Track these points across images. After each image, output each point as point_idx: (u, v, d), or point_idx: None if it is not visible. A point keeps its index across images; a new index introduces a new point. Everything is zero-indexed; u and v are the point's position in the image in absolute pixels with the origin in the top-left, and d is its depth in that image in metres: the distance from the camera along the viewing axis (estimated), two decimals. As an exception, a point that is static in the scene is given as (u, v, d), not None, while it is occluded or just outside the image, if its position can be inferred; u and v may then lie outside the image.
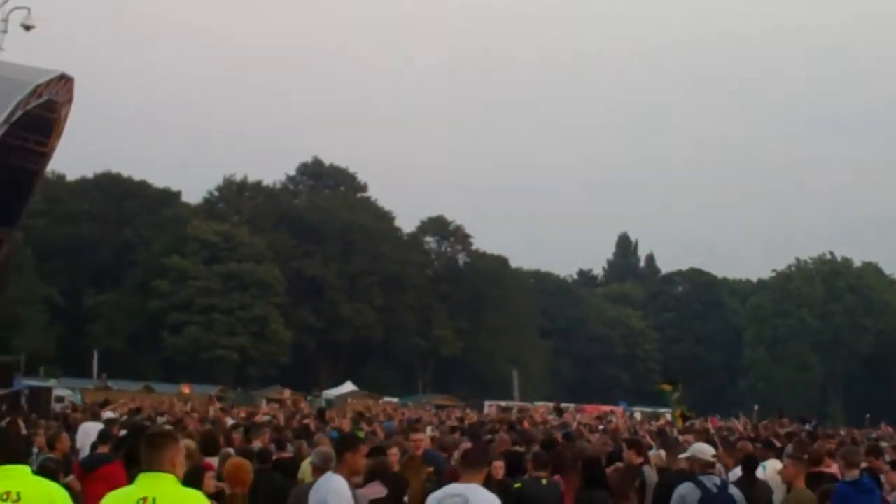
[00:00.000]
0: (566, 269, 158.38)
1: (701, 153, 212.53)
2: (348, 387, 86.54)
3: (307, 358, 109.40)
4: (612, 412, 61.89)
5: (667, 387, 52.63)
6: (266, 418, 28.66)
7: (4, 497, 7.72)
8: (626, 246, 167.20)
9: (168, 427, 18.68)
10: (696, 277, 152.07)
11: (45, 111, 39.38)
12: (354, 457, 11.00)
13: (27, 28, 32.44)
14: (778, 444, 21.36)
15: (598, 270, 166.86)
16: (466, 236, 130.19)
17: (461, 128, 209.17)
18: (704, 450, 12.96)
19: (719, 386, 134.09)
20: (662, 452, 16.96)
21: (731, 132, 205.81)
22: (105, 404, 31.88)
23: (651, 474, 15.26)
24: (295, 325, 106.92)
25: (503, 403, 75.27)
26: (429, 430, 26.07)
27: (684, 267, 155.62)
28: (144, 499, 7.49)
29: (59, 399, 47.34)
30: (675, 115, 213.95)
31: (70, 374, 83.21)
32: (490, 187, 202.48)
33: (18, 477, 7.96)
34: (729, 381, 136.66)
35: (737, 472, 15.23)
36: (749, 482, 14.08)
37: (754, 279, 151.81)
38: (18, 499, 7.73)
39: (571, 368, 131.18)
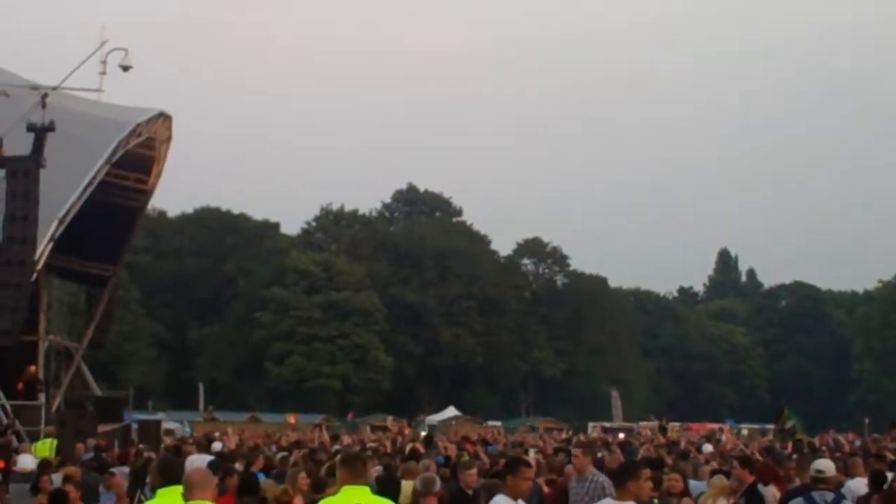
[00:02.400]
0: (666, 286, 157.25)
1: (799, 165, 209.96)
2: (451, 412, 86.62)
3: (408, 384, 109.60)
4: (719, 430, 61.30)
5: (784, 423, 51.29)
6: (373, 445, 28.89)
7: None
8: (726, 261, 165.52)
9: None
10: (800, 290, 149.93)
11: (145, 149, 40.20)
12: (516, 480, 10.98)
13: (125, 69, 33.06)
14: (891, 458, 21.09)
15: (698, 287, 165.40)
16: (564, 257, 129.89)
17: (554, 149, 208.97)
18: (817, 465, 12.88)
19: (827, 400, 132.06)
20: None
21: (829, 141, 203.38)
22: (210, 438, 32.34)
23: (768, 492, 15.20)
24: (395, 351, 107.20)
25: (607, 424, 74.89)
26: (531, 452, 26.18)
27: (787, 280, 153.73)
28: None
29: (168, 432, 47.98)
30: (772, 126, 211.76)
31: (177, 406, 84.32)
32: (586, 207, 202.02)
33: (176, 496, 9.21)
34: (837, 395, 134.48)
35: (850, 485, 15.11)
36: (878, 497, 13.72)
37: (860, 290, 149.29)
38: None
39: (675, 387, 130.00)
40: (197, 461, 18.24)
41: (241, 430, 42.40)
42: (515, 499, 10.82)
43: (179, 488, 9.28)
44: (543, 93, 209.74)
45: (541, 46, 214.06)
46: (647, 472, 10.80)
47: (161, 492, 9.54)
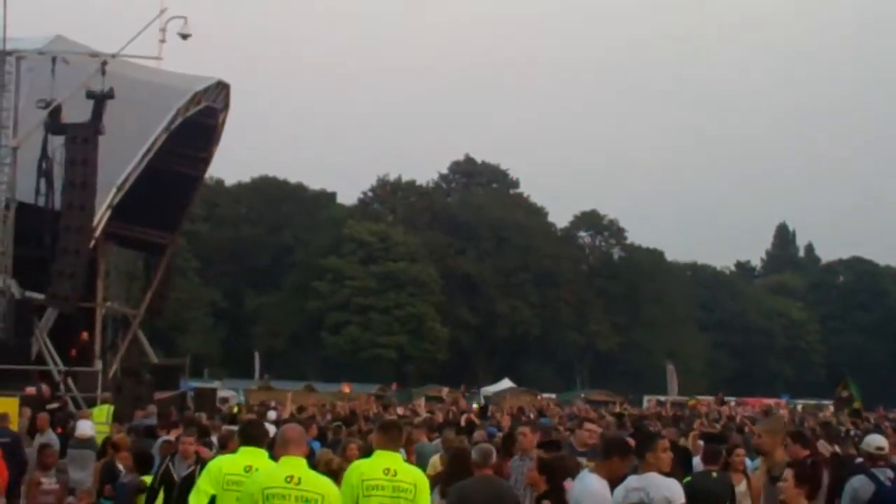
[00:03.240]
0: (723, 260, 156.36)
1: (857, 139, 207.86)
2: (506, 383, 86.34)
3: (464, 355, 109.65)
4: (775, 405, 60.94)
5: (843, 391, 50.80)
6: (424, 416, 28.83)
7: (287, 479, 9.31)
8: (784, 236, 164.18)
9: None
10: (858, 266, 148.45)
11: (203, 118, 40.28)
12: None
13: (184, 37, 33.06)
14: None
15: (755, 261, 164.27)
16: (621, 230, 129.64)
17: (612, 120, 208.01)
18: (876, 441, 12.67)
19: (885, 376, 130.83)
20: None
21: (889, 115, 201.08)
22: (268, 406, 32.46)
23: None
24: (451, 322, 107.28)
25: (663, 398, 74.57)
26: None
27: (845, 256, 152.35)
28: (388, 469, 10.21)
29: (224, 400, 48.21)
30: (830, 103, 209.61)
31: (234, 375, 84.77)
32: (643, 180, 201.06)
33: (262, 456, 10.27)
34: (894, 372, 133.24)
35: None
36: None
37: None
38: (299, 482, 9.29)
39: (731, 361, 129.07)
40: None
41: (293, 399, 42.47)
42: (611, 480, 10.40)
43: (259, 450, 10.41)
44: (601, 63, 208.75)
45: (601, 13, 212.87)
46: (664, 444, 10.78)
47: (243, 450, 10.48)
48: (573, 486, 10.71)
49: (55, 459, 17.05)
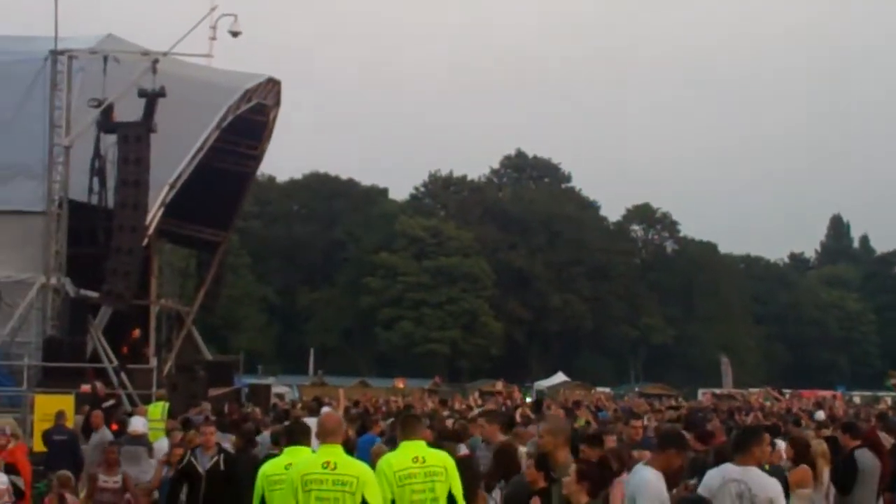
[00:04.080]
0: (777, 253, 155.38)
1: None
2: (560, 377, 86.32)
3: (517, 349, 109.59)
4: (831, 397, 60.47)
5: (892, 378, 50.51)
6: (478, 411, 28.69)
7: (324, 465, 9.95)
8: (838, 227, 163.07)
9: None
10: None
11: (254, 115, 40.30)
12: (677, 456, 10.20)
13: (234, 34, 33.05)
14: None
15: (809, 253, 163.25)
16: (673, 223, 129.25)
17: (664, 113, 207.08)
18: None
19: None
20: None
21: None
22: (321, 402, 32.43)
23: (865, 456, 15.13)
24: (504, 317, 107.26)
25: (717, 391, 74.21)
26: (644, 419, 25.83)
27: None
28: (416, 457, 10.74)
29: (278, 396, 48.35)
30: (887, 93, 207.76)
31: (287, 371, 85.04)
32: (696, 172, 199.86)
33: (306, 453, 10.82)
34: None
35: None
36: None
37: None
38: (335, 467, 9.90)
39: (786, 354, 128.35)
40: (310, 425, 18.24)
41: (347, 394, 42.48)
42: (665, 472, 10.12)
43: (303, 448, 11.01)
44: (649, 56, 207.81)
45: (649, 7, 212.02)
46: (768, 437, 10.96)
47: (288, 450, 11.01)
48: (629, 479, 10.56)
49: (117, 457, 17.06)
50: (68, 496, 16.04)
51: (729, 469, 9.96)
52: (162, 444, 19.33)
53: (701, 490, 9.79)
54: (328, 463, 9.89)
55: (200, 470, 14.23)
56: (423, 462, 10.79)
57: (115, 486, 16.12)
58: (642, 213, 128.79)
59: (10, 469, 16.51)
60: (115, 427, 22.36)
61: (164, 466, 17.49)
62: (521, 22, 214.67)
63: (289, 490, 9.83)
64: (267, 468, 10.97)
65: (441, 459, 10.97)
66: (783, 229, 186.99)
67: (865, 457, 15.17)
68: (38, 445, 22.64)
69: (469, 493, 11.54)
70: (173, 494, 14.72)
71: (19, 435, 17.55)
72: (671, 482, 10.38)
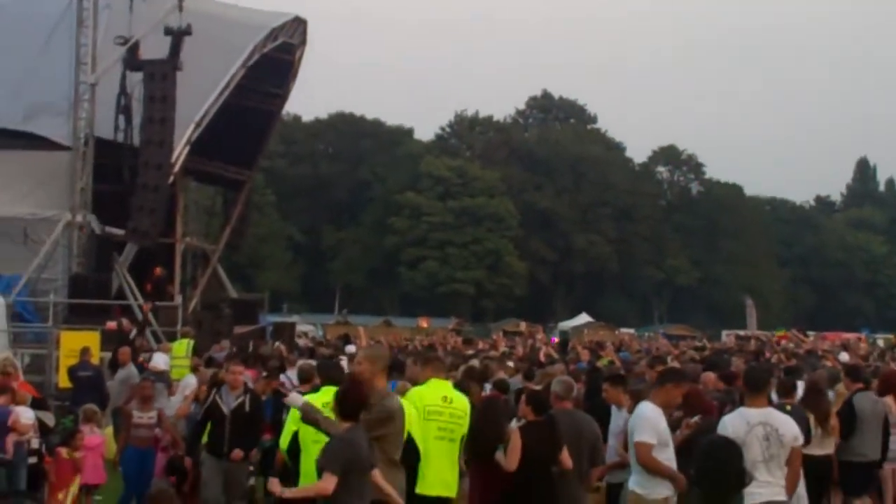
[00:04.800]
0: (802, 195, 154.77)
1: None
2: (584, 318, 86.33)
3: (541, 290, 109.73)
4: (856, 339, 60.29)
5: None
6: (505, 350, 28.78)
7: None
8: (864, 171, 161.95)
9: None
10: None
11: (280, 54, 40.22)
12: (675, 390, 10.97)
13: (261, -28, 33.05)
14: None
15: (835, 196, 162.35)
16: (699, 165, 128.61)
17: (689, 56, 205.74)
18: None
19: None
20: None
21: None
22: (346, 340, 32.53)
23: (864, 400, 15.01)
24: (529, 257, 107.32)
25: (742, 332, 74.12)
26: (668, 359, 25.85)
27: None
28: (445, 397, 11.23)
29: (302, 334, 48.51)
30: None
31: (312, 309, 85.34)
32: (722, 114, 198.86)
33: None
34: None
35: None
36: None
37: None
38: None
39: (810, 297, 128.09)
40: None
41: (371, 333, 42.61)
42: (664, 407, 10.72)
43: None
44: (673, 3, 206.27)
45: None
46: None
47: (325, 389, 10.74)
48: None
49: (152, 393, 17.10)
50: (95, 429, 16.15)
51: (749, 413, 10.11)
52: (189, 381, 19.39)
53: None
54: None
55: (225, 410, 14.07)
56: (449, 402, 11.26)
57: (151, 422, 16.17)
58: (668, 155, 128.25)
59: (38, 404, 16.68)
60: (142, 363, 22.49)
61: (192, 403, 17.58)
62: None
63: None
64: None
65: (464, 404, 11.45)
66: (809, 172, 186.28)
67: (865, 401, 14.94)
68: (64, 381, 22.83)
69: (494, 434, 11.61)
70: (195, 435, 14.67)
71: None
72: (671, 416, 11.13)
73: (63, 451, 14.75)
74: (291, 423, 10.40)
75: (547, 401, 12.05)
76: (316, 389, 11.43)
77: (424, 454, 10.50)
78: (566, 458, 11.23)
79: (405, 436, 9.87)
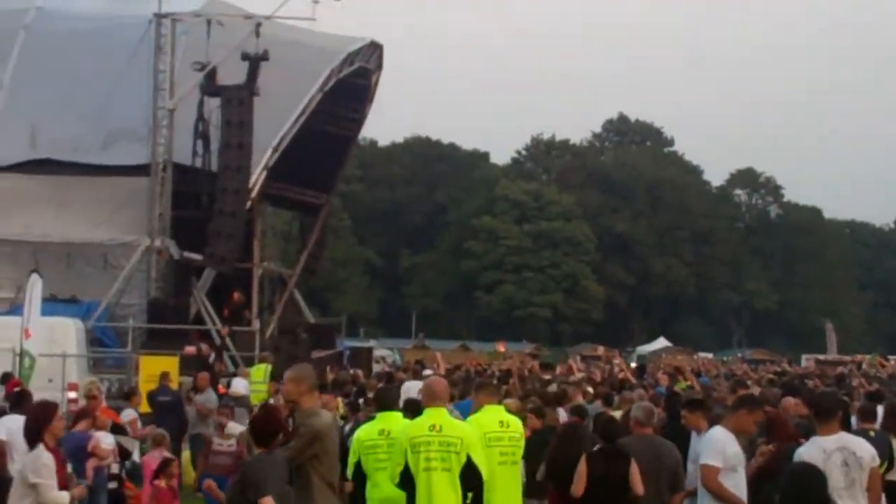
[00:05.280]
0: (882, 218, 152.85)
1: None
2: (661, 342, 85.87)
3: (619, 314, 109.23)
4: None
5: None
6: (581, 375, 28.62)
7: (430, 428, 10.37)
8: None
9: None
10: None
11: (356, 78, 40.35)
12: (749, 416, 10.90)
13: (337, -2, 33.12)
14: None
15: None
16: (777, 188, 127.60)
17: (766, 76, 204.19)
18: None
19: None
20: None
21: None
22: (423, 365, 32.50)
23: None
24: (606, 281, 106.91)
25: (822, 357, 73.26)
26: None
27: None
28: (502, 421, 11.41)
29: (380, 359, 48.58)
30: None
31: (389, 334, 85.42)
32: (800, 136, 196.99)
33: (397, 419, 11.40)
34: None
35: None
36: None
37: None
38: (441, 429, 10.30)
39: (891, 320, 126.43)
40: (412, 388, 18.32)
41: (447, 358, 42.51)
42: (736, 433, 10.62)
43: (394, 413, 11.51)
44: (753, 21, 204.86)
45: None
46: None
47: (380, 416, 11.41)
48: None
49: (227, 420, 17.15)
50: (165, 453, 16.18)
51: (824, 441, 9.93)
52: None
53: None
54: (434, 426, 10.28)
55: None
56: (507, 427, 11.44)
57: (230, 450, 16.23)
58: (746, 178, 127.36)
59: (118, 430, 16.75)
60: (221, 390, 22.59)
61: None
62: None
63: (398, 452, 10.25)
64: (361, 434, 11.37)
65: (519, 427, 11.70)
66: (889, 194, 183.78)
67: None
68: (144, 406, 22.97)
69: (572, 459, 11.60)
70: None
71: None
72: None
73: (162, 482, 14.84)
74: (353, 452, 11.02)
75: (615, 427, 12.05)
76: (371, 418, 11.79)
77: (490, 480, 10.55)
78: (637, 484, 11.14)
79: (463, 459, 10.10)
